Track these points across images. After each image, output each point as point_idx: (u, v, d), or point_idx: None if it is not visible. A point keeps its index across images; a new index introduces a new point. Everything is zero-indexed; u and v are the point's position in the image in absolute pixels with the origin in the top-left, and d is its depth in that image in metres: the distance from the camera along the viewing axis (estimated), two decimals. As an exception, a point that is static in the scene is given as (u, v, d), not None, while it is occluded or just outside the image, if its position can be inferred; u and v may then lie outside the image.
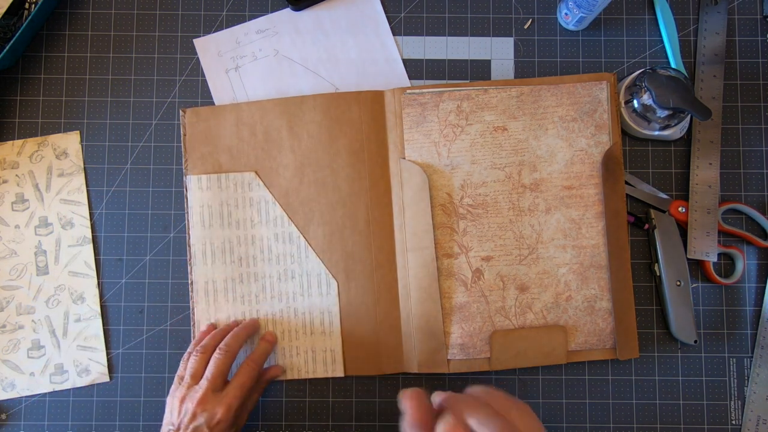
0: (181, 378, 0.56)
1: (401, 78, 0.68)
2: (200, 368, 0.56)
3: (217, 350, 0.56)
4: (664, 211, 0.65)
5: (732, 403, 0.64)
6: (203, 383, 0.54)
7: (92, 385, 0.64)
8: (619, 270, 0.63)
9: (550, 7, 0.69)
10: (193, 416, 0.52)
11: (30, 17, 0.64)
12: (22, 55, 0.67)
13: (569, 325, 0.63)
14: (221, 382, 0.55)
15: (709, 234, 0.64)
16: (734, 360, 0.65)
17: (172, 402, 0.55)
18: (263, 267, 0.64)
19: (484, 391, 0.44)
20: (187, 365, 0.57)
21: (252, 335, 0.62)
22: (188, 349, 0.59)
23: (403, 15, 0.69)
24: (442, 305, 0.63)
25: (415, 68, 0.68)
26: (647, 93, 0.61)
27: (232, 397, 0.54)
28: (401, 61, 0.68)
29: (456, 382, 0.65)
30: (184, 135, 0.65)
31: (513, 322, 0.63)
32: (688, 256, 0.64)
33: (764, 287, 0.66)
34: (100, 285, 0.65)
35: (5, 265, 0.65)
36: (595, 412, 0.64)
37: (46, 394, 0.64)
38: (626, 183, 0.65)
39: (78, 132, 0.67)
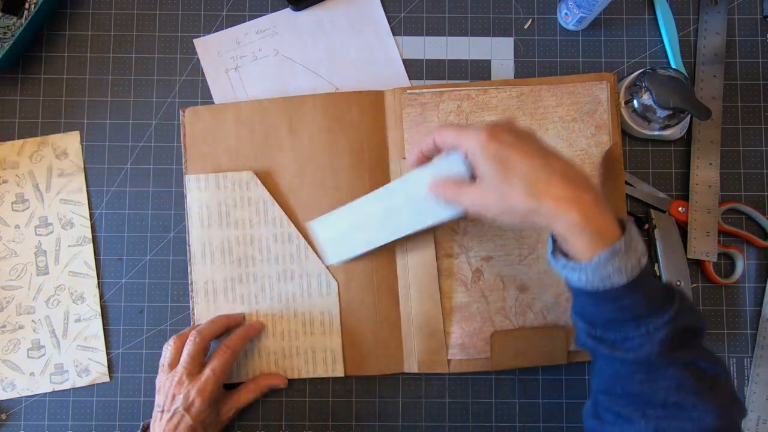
0: (164, 365, 0.59)
1: (401, 78, 0.68)
2: (175, 357, 0.58)
3: (189, 336, 0.58)
4: (664, 211, 0.65)
5: (732, 403, 0.64)
6: (179, 369, 0.57)
7: (92, 385, 0.64)
8: (619, 270, 0.63)
9: (550, 7, 0.69)
10: (172, 398, 0.56)
11: (30, 17, 0.64)
12: (22, 55, 0.67)
13: (569, 325, 0.63)
14: (194, 366, 0.57)
15: (709, 234, 0.64)
16: (734, 360, 0.65)
17: (158, 383, 0.58)
18: (262, 267, 0.64)
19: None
20: (164, 353, 0.59)
21: (232, 325, 0.62)
22: None
23: (403, 15, 0.69)
24: (442, 305, 0.63)
25: (415, 68, 0.68)
26: (647, 93, 0.61)
27: (204, 381, 0.56)
28: (401, 61, 0.68)
29: (456, 382, 0.65)
30: (184, 135, 0.65)
31: (513, 322, 0.63)
32: (688, 256, 0.64)
33: (764, 287, 0.65)
34: (100, 285, 0.65)
35: (5, 265, 0.65)
36: (595, 412, 0.64)
37: (46, 394, 0.64)
38: (626, 183, 0.65)
39: (78, 132, 0.67)
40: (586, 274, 0.42)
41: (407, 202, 0.57)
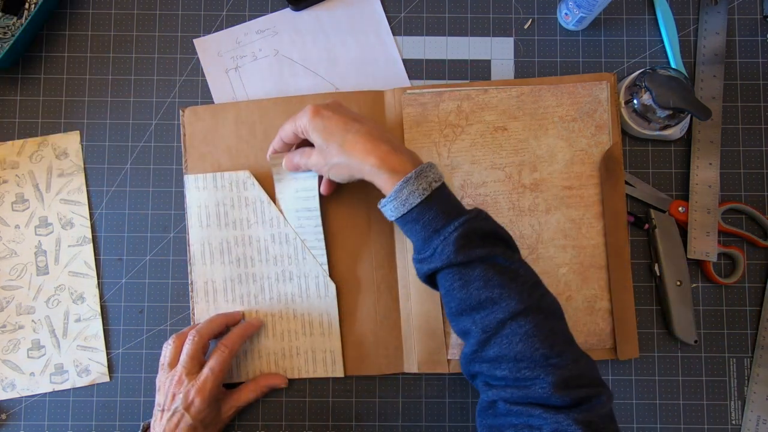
0: (164, 364, 0.59)
1: (401, 78, 0.68)
2: (175, 356, 0.58)
3: (188, 335, 0.58)
4: (664, 211, 0.65)
5: (732, 403, 0.64)
6: (178, 368, 0.57)
7: (92, 385, 0.64)
8: (619, 270, 0.63)
9: (550, 7, 0.69)
10: (173, 398, 0.56)
11: (30, 17, 0.64)
12: (22, 55, 0.68)
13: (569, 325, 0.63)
14: (194, 365, 0.57)
15: (709, 234, 0.64)
16: (734, 360, 0.65)
17: (158, 383, 0.58)
18: (261, 268, 0.64)
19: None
20: (164, 353, 0.59)
21: (230, 324, 0.62)
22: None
23: (403, 15, 0.69)
24: (442, 305, 0.63)
25: (415, 68, 0.68)
26: (647, 93, 0.61)
27: (203, 381, 0.56)
28: (401, 61, 0.68)
29: (456, 382, 0.65)
30: (184, 134, 0.65)
31: (513, 322, 0.63)
32: (688, 256, 0.64)
33: (764, 287, 0.65)
34: (100, 285, 0.65)
35: (5, 265, 0.65)
36: (595, 412, 0.64)
37: (46, 394, 0.64)
38: (626, 183, 0.65)
39: (78, 132, 0.67)
40: (391, 203, 0.51)
41: (294, 202, 0.63)
